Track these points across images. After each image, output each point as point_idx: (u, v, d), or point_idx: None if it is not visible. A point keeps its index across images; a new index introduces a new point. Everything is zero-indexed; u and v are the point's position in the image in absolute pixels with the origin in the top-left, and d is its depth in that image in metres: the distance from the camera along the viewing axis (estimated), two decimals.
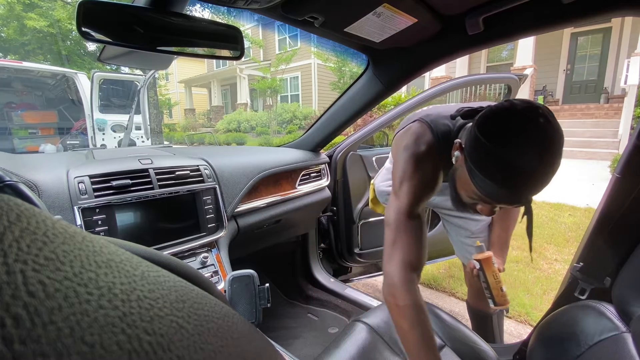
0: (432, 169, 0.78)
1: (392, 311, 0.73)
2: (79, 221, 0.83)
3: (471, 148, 0.63)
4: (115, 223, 0.89)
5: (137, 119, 4.00)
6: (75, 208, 0.83)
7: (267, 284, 0.56)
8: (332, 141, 1.65)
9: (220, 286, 1.00)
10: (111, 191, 0.89)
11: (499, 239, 1.03)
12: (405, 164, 0.78)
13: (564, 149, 0.59)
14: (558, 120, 0.60)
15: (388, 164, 1.32)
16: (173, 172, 1.02)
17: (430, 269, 2.31)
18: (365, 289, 2.10)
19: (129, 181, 0.92)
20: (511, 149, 0.57)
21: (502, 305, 0.96)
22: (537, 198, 3.30)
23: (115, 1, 0.61)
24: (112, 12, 0.62)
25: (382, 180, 1.33)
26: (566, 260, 2.39)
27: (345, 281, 1.86)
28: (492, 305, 0.97)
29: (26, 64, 5.00)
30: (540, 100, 8.15)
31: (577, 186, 4.32)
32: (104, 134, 4.69)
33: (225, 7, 0.75)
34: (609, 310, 0.72)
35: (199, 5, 7.48)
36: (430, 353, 0.67)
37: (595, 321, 0.71)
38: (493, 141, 0.59)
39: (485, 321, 1.30)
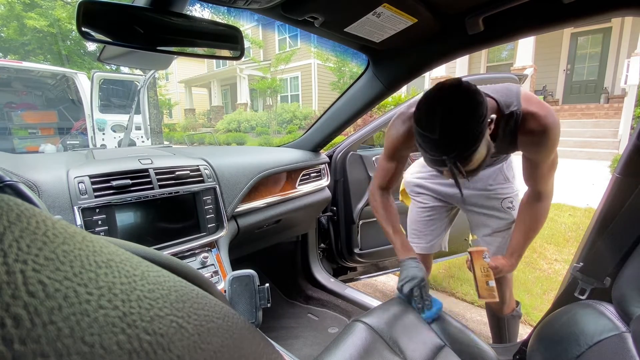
0: (403, 134, 1.00)
1: (372, 209, 1.15)
2: (79, 221, 0.83)
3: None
4: (115, 223, 0.89)
5: (137, 119, 4.00)
6: (75, 208, 0.83)
7: (267, 284, 0.55)
8: (332, 141, 1.65)
9: (220, 286, 1.00)
10: (111, 191, 0.89)
11: (514, 242, 1.05)
12: (387, 129, 1.07)
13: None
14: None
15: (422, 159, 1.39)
16: (173, 172, 1.02)
17: None
18: (365, 289, 2.10)
19: (129, 181, 0.92)
20: (420, 124, 0.74)
21: (486, 299, 1.01)
22: None
23: (115, 1, 0.61)
24: (112, 12, 0.62)
25: (412, 172, 1.39)
26: (566, 260, 2.38)
27: (345, 281, 1.86)
28: (478, 298, 1.03)
29: (26, 64, 5.00)
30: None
31: (577, 186, 4.32)
32: (104, 134, 4.69)
33: (225, 7, 0.75)
34: (609, 310, 0.72)
35: (199, 5, 7.48)
36: (390, 229, 1.08)
37: (595, 321, 0.71)
38: (416, 122, 0.76)
39: (497, 322, 1.32)
